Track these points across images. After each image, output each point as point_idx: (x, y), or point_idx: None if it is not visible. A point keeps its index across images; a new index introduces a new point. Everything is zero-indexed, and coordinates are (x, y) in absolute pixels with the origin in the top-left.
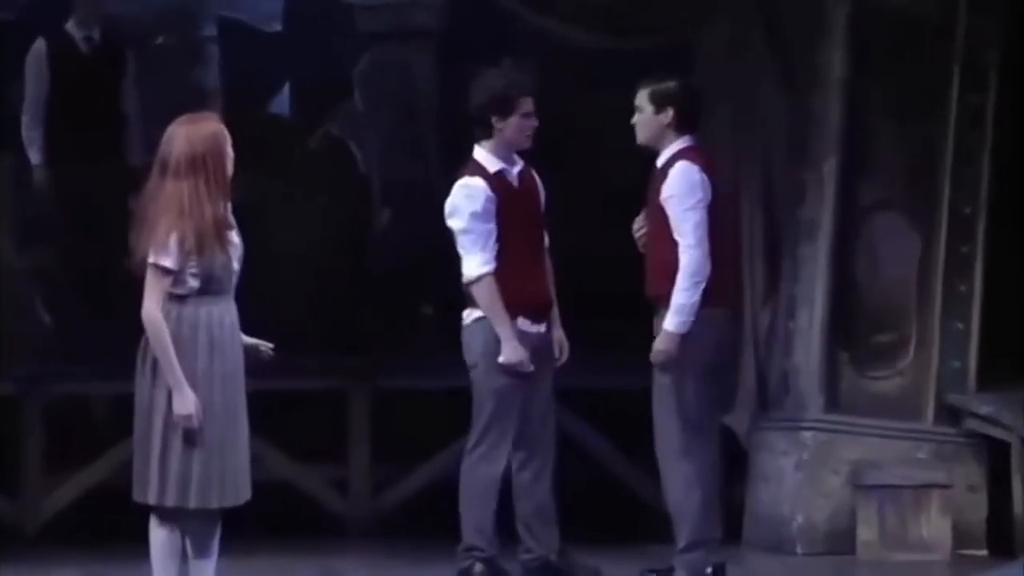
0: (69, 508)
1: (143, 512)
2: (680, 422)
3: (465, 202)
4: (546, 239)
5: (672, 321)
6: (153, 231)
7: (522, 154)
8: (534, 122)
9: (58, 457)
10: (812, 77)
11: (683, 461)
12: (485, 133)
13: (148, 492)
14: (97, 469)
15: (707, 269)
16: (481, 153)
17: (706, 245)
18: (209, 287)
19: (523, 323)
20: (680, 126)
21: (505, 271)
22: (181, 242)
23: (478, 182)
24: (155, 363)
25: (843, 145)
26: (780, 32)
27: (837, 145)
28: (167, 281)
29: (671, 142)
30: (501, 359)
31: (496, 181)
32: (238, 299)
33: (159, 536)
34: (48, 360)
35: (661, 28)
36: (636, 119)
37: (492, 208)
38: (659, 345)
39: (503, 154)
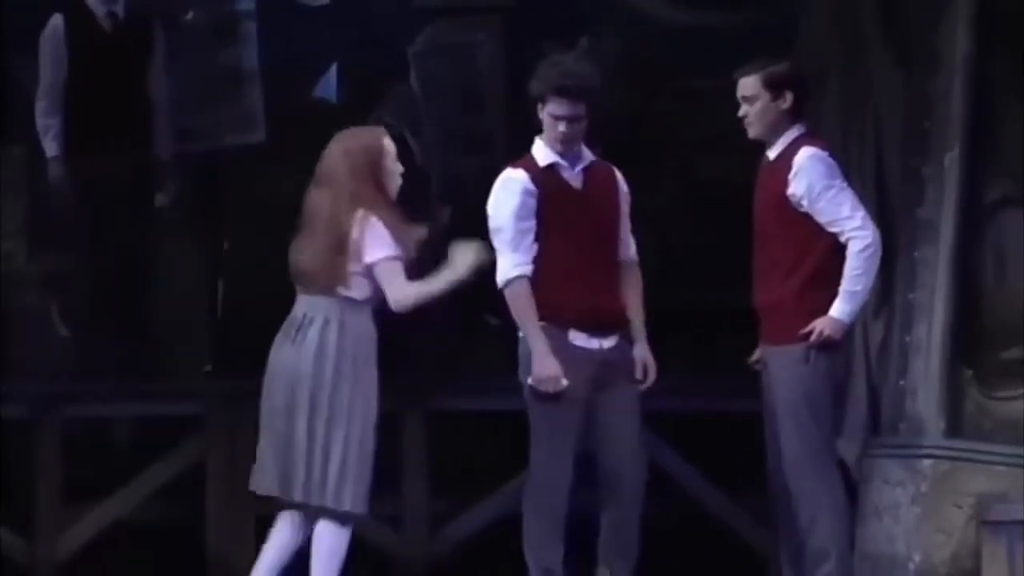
0: (88, 546)
1: (168, 549)
2: (823, 450)
3: (502, 196)
4: (625, 247)
5: (843, 309)
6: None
7: (595, 147)
8: (560, 127)
9: (76, 488)
10: (931, 56)
11: (831, 492)
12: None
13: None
14: (119, 501)
15: (880, 250)
16: (538, 144)
17: (872, 222)
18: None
19: (577, 337)
20: (798, 112)
21: (550, 277)
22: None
23: (519, 175)
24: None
25: (967, 133)
26: (894, 4)
27: (960, 133)
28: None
29: (786, 130)
30: (531, 377)
31: (544, 175)
32: (280, 306)
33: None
34: (64, 378)
35: (756, 2)
36: (747, 110)
37: (532, 204)
38: (825, 328)
39: (559, 148)
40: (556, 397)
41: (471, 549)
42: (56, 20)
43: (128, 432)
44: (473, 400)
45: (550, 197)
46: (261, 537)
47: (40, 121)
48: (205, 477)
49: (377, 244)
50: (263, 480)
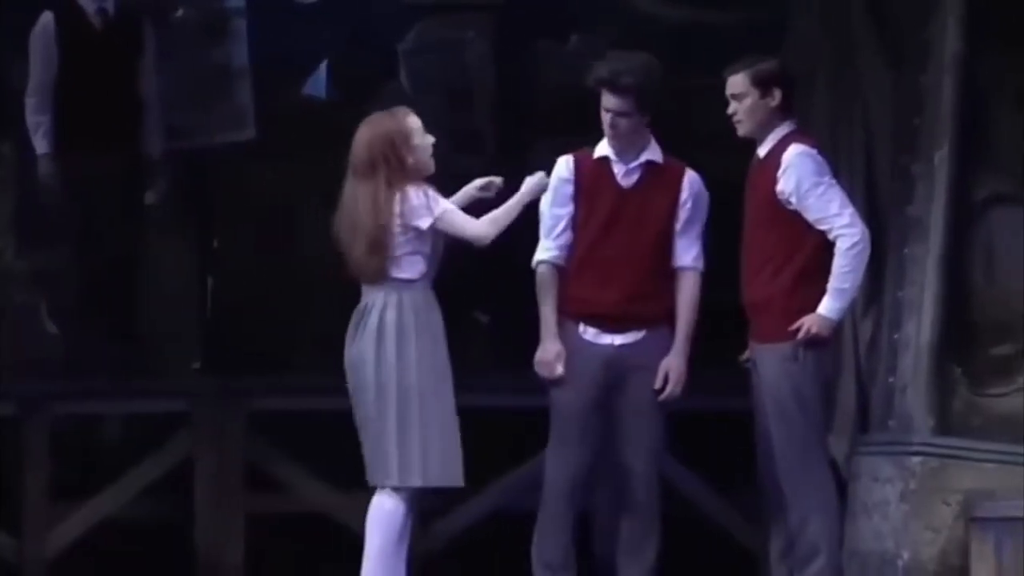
0: (76, 544)
1: (157, 547)
2: (813, 447)
3: (550, 183)
4: (681, 253)
5: (831, 307)
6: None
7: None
8: (607, 119)
9: (64, 486)
10: (921, 53)
11: (821, 490)
12: None
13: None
14: (108, 499)
15: (868, 247)
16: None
17: (860, 220)
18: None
19: (587, 331)
20: (786, 109)
21: (572, 268)
22: None
23: (562, 161)
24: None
25: (957, 131)
26: (884, 2)
27: (950, 131)
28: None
29: (775, 128)
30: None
31: (592, 167)
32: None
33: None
34: (53, 376)
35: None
36: (736, 108)
37: (567, 192)
38: (813, 326)
39: (612, 142)
40: (560, 385)
41: (463, 544)
42: (46, 17)
43: (117, 430)
44: (464, 397)
45: (590, 189)
46: (250, 534)
47: (30, 118)
48: (194, 474)
49: (426, 207)
50: (370, 474)
